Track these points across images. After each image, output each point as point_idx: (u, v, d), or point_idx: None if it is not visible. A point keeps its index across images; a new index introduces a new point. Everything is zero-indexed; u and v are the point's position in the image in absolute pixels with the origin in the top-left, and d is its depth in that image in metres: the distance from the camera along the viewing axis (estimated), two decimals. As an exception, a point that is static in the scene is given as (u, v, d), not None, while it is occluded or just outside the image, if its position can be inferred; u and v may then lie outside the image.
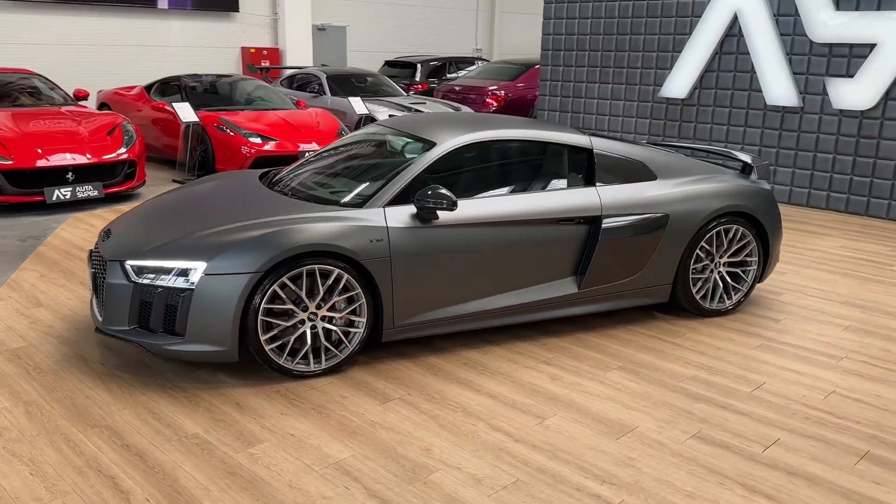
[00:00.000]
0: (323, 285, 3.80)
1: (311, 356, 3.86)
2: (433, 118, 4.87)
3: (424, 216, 4.03)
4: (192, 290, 3.61)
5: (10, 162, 7.23)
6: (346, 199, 4.14)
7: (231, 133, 9.09)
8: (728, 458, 3.22)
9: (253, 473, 3.02)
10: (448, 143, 4.28)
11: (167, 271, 3.66)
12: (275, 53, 15.56)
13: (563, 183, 4.54)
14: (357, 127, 11.18)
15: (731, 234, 4.86)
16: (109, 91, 11.72)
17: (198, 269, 3.63)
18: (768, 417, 3.59)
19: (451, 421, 3.48)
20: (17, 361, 4.01)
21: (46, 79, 9.52)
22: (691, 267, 4.76)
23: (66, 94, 9.37)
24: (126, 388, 3.73)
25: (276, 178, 4.73)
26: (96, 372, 3.90)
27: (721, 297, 4.96)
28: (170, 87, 10.57)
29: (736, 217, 4.84)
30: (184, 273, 3.64)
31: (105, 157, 7.84)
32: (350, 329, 3.93)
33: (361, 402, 3.64)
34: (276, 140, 9.14)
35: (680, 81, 9.45)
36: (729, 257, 4.93)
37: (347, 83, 12.36)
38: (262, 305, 3.67)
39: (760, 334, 4.66)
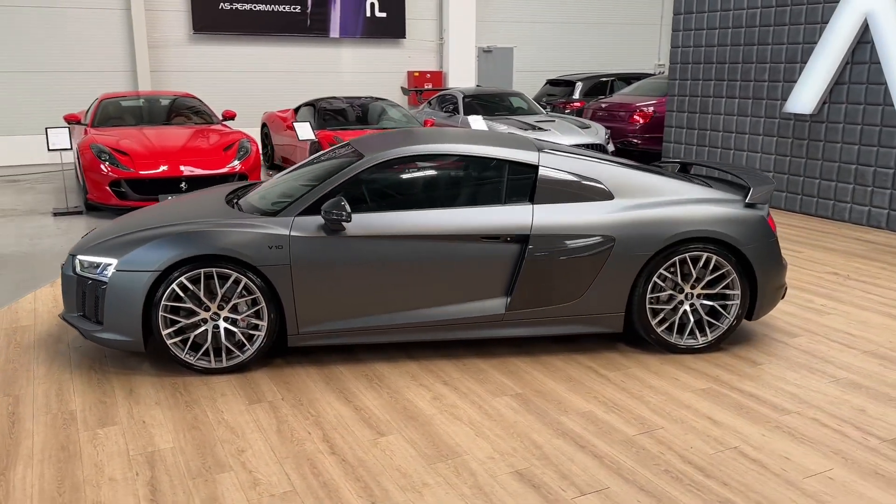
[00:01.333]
0: (222, 287, 4.06)
1: (212, 354, 4.13)
2: (393, 135, 4.93)
3: (330, 227, 4.14)
4: (107, 283, 4.05)
5: (132, 171, 8.41)
6: (270, 208, 4.36)
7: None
8: (528, 499, 2.96)
9: (85, 451, 3.34)
10: (370, 158, 4.35)
11: (95, 266, 4.15)
12: (438, 76, 16.22)
13: (497, 199, 4.38)
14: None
15: (701, 263, 4.35)
16: (269, 113, 13.05)
17: (112, 265, 4.07)
18: (620, 464, 3.22)
19: (291, 427, 3.56)
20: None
21: (200, 101, 10.88)
22: (649, 296, 4.33)
23: (213, 114, 10.63)
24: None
25: (245, 188, 5.09)
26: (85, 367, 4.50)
27: (693, 332, 4.45)
28: (309, 109, 11.52)
29: (709, 244, 4.32)
30: (104, 268, 4.10)
31: (217, 169, 8.79)
32: (253, 332, 4.14)
33: (233, 401, 3.84)
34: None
35: (806, 95, 8.44)
36: (703, 289, 4.41)
37: (483, 103, 12.57)
38: (163, 302, 4.02)
39: (718, 377, 4.12)
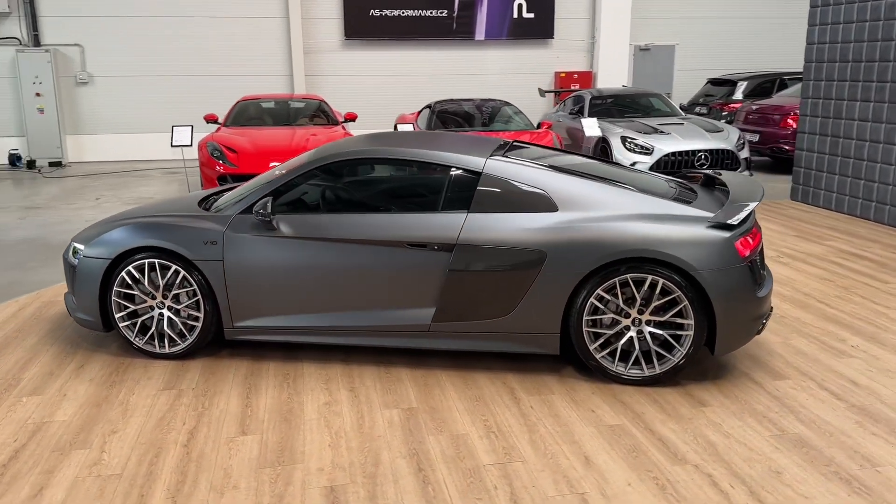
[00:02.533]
0: (164, 278, 4.35)
1: (156, 339, 4.44)
2: (351, 139, 4.92)
3: (262, 226, 4.27)
4: (77, 267, 4.50)
5: (236, 167, 9.13)
6: (221, 205, 4.58)
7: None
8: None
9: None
10: (308, 162, 4.41)
11: (74, 252, 4.62)
12: (587, 77, 15.73)
13: (434, 206, 4.24)
14: (595, 148, 10.94)
15: (646, 287, 3.91)
16: (401, 115, 13.49)
17: (80, 251, 4.51)
18: (442, 492, 3.01)
19: (174, 416, 3.73)
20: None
21: (326, 104, 11.52)
22: (586, 318, 3.98)
23: (336, 116, 11.20)
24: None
25: (223, 189, 5.35)
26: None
27: (639, 362, 4.01)
28: (427, 111, 11.74)
29: (659, 266, 3.87)
30: (77, 254, 4.56)
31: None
32: (193, 323, 4.39)
33: (151, 385, 4.10)
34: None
35: (946, 98, 7.15)
36: (653, 315, 3.96)
37: (613, 104, 12.05)
38: (115, 287, 4.39)
39: (641, 414, 3.69)
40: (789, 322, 4.96)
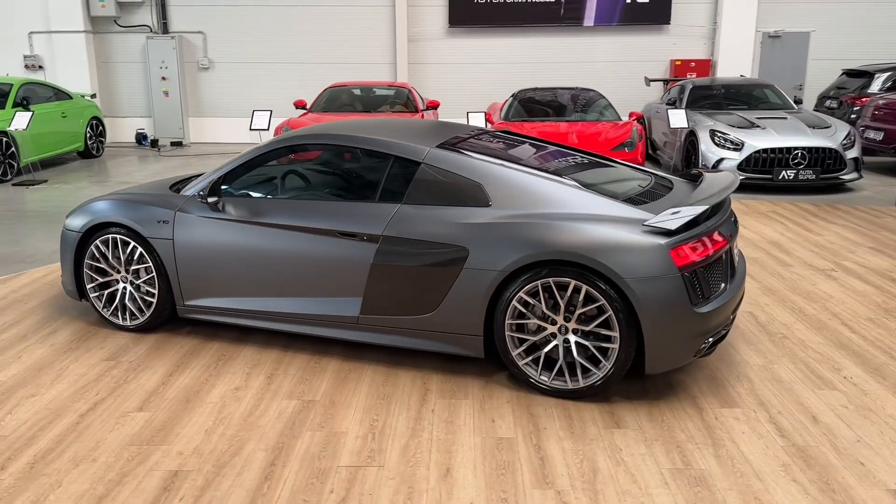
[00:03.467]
0: (125, 254, 4.54)
1: (120, 312, 4.64)
2: (313, 126, 4.84)
3: (208, 208, 4.33)
4: (62, 240, 4.79)
5: (301, 153, 9.39)
6: (184, 187, 4.69)
7: (503, 141, 9.60)
8: (122, 495, 2.90)
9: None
10: (259, 147, 4.41)
11: (66, 226, 4.92)
12: (704, 65, 14.68)
13: (372, 195, 4.11)
14: (685, 142, 10.24)
15: (569, 292, 3.59)
16: (494, 103, 13.27)
17: (64, 225, 4.80)
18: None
19: (89, 386, 3.88)
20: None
21: (412, 91, 11.56)
22: (508, 321, 3.72)
23: (419, 104, 11.22)
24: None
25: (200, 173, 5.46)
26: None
27: (563, 372, 3.70)
28: (513, 98, 11.47)
29: (582, 272, 3.54)
30: (64, 227, 4.86)
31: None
32: (150, 299, 4.55)
33: (95, 355, 4.29)
34: (536, 150, 9.30)
35: None
36: (579, 324, 3.64)
37: (717, 95, 11.20)
38: (86, 260, 4.63)
39: (535, 429, 3.40)
40: (789, 343, 4.38)
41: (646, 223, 3.55)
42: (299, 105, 11.39)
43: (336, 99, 11.40)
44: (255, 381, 3.92)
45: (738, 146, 9.40)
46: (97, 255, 4.61)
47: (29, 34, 14.95)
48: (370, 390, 3.81)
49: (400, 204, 3.98)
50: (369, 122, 4.70)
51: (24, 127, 10.07)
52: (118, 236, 4.51)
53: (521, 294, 3.65)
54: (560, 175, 3.99)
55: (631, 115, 10.64)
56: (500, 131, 5.01)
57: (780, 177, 9.26)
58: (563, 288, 3.59)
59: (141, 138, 14.93)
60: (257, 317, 4.30)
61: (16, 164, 10.70)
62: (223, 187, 4.41)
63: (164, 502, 2.86)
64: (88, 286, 4.67)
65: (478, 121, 10.06)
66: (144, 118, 15.38)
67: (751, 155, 9.32)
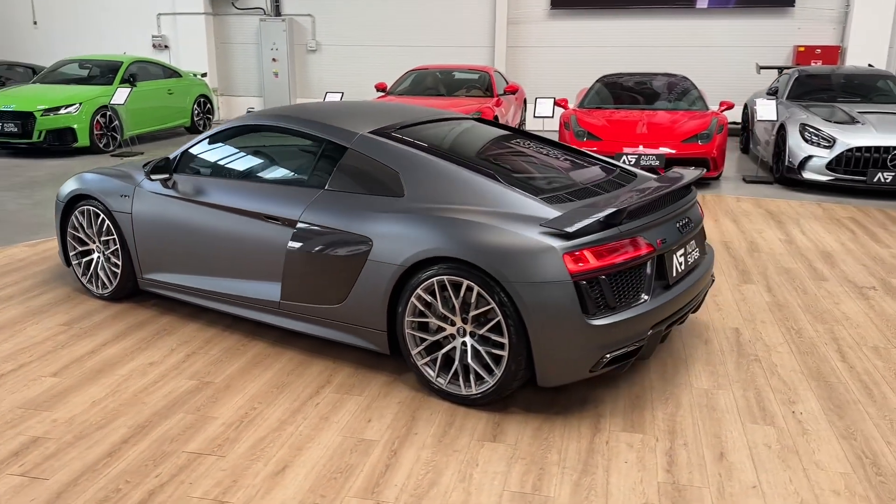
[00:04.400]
0: (96, 225, 4.75)
1: (95, 282, 4.87)
2: (282, 108, 4.78)
3: (161, 185, 4.44)
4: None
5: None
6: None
7: (567, 130, 9.22)
8: (-11, 460, 3.03)
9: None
10: (214, 129, 4.45)
11: (64, 196, 5.23)
12: (832, 52, 13.28)
13: (302, 180, 4.03)
14: (777, 135, 9.37)
15: (462, 292, 3.36)
16: (583, 88, 12.74)
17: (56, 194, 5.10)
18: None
19: (32, 349, 4.10)
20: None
21: (491, 75, 11.33)
22: (408, 318, 3.54)
23: (492, 89, 10.99)
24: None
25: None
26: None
27: (457, 376, 3.48)
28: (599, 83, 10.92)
29: (474, 271, 3.31)
30: (59, 198, 5.16)
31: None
32: (116, 270, 4.74)
33: (58, 318, 4.53)
34: (598, 139, 8.85)
35: None
36: (475, 327, 3.40)
37: (826, 85, 10.15)
38: (69, 230, 4.90)
39: (409, 435, 3.21)
40: (756, 368, 3.88)
41: (542, 224, 3.24)
42: (380, 88, 11.48)
43: (416, 82, 11.39)
44: (172, 358, 3.98)
45: (829, 143, 8.46)
46: (76, 225, 4.85)
47: (157, 16, 16.05)
48: (273, 378, 3.76)
49: (322, 189, 3.89)
50: (328, 105, 4.62)
51: (123, 102, 10.83)
52: (92, 208, 4.72)
53: (419, 291, 3.46)
54: (487, 168, 3.73)
55: (721, 104, 9.84)
56: (480, 120, 4.77)
57: (875, 179, 8.23)
58: (458, 287, 3.36)
59: (249, 116, 15.65)
60: (199, 295, 4.36)
61: (118, 137, 11.55)
62: (191, 165, 4.47)
63: (5, 466, 2.96)
64: (71, 254, 4.94)
65: (545, 107, 9.69)
66: (256, 98, 16.12)
67: (842, 153, 8.35)
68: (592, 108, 9.91)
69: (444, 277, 3.37)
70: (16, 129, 10.67)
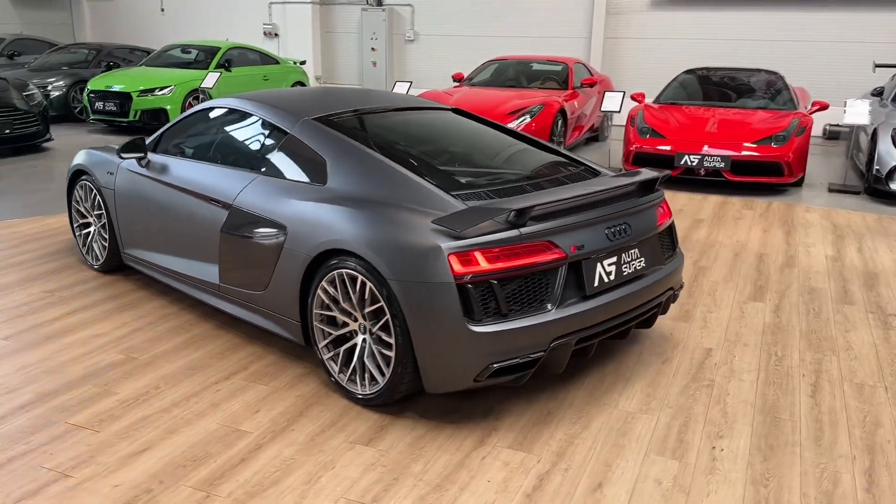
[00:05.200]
0: (90, 200, 4.99)
1: (90, 252, 5.13)
2: (247, 94, 4.76)
3: (137, 163, 4.59)
4: None
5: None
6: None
7: (632, 126, 8.76)
8: None
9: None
10: (193, 108, 4.54)
11: (80, 171, 5.53)
12: (970, 50, 11.77)
13: (250, 163, 4.02)
14: (871, 139, 8.48)
15: (357, 286, 3.25)
16: (677, 83, 12.02)
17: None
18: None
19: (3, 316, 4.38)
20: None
21: (570, 66, 10.96)
22: (316, 311, 3.47)
23: (569, 81, 10.62)
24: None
25: None
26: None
27: (355, 374, 3.36)
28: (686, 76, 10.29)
29: (368, 266, 3.18)
30: (73, 173, 5.46)
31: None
32: (105, 244, 4.96)
33: (43, 285, 4.80)
34: (661, 137, 8.35)
35: None
36: (370, 323, 3.28)
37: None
38: (72, 202, 5.19)
39: (278, 422, 3.14)
40: (703, 395, 3.49)
41: (434, 221, 3.04)
42: (456, 78, 11.38)
43: (492, 72, 11.19)
44: (119, 332, 4.11)
45: (926, 151, 7.52)
46: (77, 198, 5.12)
47: (269, 4, 16.71)
48: (196, 360, 3.79)
49: (258, 174, 3.86)
50: (295, 90, 4.58)
51: (212, 86, 11.36)
52: (88, 183, 4.95)
53: (323, 283, 3.36)
54: (414, 161, 3.59)
55: (814, 104, 8.98)
56: (457, 111, 4.58)
57: (976, 194, 7.23)
58: (355, 281, 3.24)
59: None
60: (163, 273, 4.47)
61: (208, 119, 12.12)
62: (164, 146, 4.59)
63: None
64: (74, 226, 5.21)
65: (613, 102, 9.24)
66: (355, 87, 16.44)
67: (936, 162, 7.40)
68: (667, 104, 9.35)
69: (343, 271, 3.25)
70: (115, 109, 11.46)
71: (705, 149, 8.06)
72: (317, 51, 16.42)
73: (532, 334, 3.04)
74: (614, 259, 3.36)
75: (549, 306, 3.11)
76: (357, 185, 3.45)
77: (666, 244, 3.82)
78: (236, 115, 4.28)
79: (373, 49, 15.85)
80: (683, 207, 7.35)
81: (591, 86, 10.78)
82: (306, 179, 3.64)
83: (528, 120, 9.11)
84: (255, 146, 4.05)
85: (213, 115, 4.45)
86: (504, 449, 3.01)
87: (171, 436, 3.07)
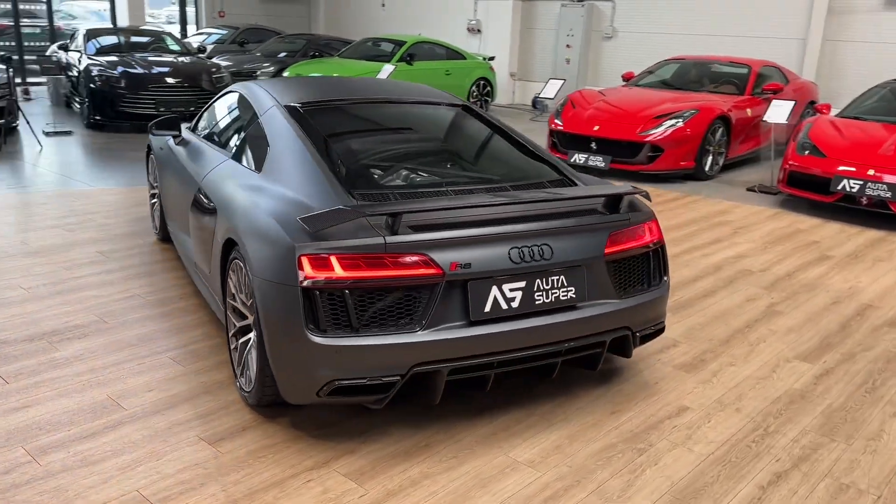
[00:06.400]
0: (153, 172, 5.40)
1: (154, 221, 5.55)
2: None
3: (172, 140, 4.86)
4: None
5: (559, 126, 8.95)
6: (203, 124, 5.24)
7: (794, 140, 7.62)
8: None
9: None
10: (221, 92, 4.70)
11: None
12: None
13: (228, 145, 4.06)
14: None
15: (244, 279, 3.16)
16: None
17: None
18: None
19: None
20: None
21: (778, 69, 9.80)
22: (228, 300, 3.44)
23: (747, 88, 9.50)
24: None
25: None
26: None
27: (243, 369, 3.28)
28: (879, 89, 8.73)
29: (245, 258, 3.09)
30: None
31: (626, 138, 8.36)
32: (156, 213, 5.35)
33: (95, 244, 5.28)
34: (821, 156, 7.18)
35: None
36: (254, 317, 3.18)
37: None
38: (147, 175, 5.66)
39: (172, 417, 3.14)
40: (630, 460, 2.91)
41: (299, 218, 2.83)
42: (626, 77, 10.68)
43: (665, 73, 10.33)
44: (116, 296, 4.38)
45: None
46: (147, 171, 5.55)
47: (475, 1, 16.92)
48: (151, 333, 3.91)
49: (227, 157, 3.89)
50: (304, 77, 4.53)
51: (385, 78, 11.76)
52: (153, 156, 5.35)
53: (229, 272, 3.31)
54: (344, 156, 3.39)
55: None
56: (462, 105, 4.25)
57: None
58: (243, 272, 3.14)
59: (536, 102, 15.74)
60: (178, 247, 4.68)
61: (383, 109, 12.58)
62: (196, 126, 4.81)
63: None
64: (149, 193, 5.68)
65: (780, 112, 8.07)
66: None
67: None
68: (849, 118, 7.95)
69: (237, 261, 3.16)
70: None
71: (871, 173, 6.73)
72: (514, 47, 16.32)
73: (386, 355, 2.72)
74: (521, 284, 2.90)
75: (416, 328, 2.76)
76: (278, 174, 3.33)
77: (629, 275, 3.22)
78: (240, 100, 4.34)
79: (567, 46, 15.39)
80: (821, 240, 6.20)
81: (775, 92, 9.50)
82: (252, 166, 3.59)
83: (680, 124, 8.25)
84: (234, 130, 4.08)
85: (228, 98, 4.55)
86: (338, 476, 2.74)
87: (57, 398, 3.20)
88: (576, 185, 3.46)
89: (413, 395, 3.25)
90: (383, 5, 19.08)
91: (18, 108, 9.74)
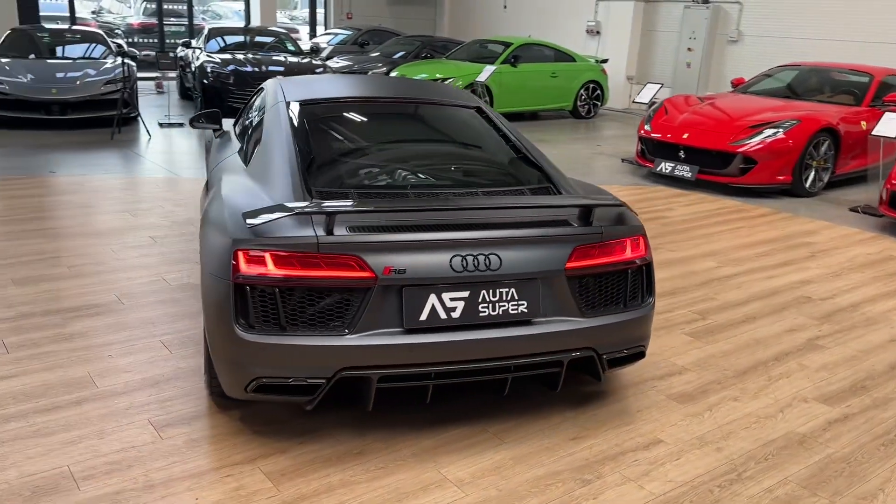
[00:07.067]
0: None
1: (206, 211, 5.80)
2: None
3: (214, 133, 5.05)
4: None
5: (647, 131, 8.54)
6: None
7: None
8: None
9: None
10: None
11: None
12: None
13: (240, 139, 4.18)
14: None
15: (207, 270, 3.23)
16: None
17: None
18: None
19: None
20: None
21: (881, 80, 8.95)
22: (207, 289, 3.54)
23: (868, 96, 8.68)
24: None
25: None
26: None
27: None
28: None
29: (211, 250, 3.16)
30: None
31: (714, 147, 7.86)
32: (211, 204, 5.57)
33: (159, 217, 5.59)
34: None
35: None
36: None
37: None
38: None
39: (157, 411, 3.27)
40: (567, 491, 2.72)
41: (243, 213, 2.84)
42: (735, 84, 10.05)
43: (776, 80, 9.61)
44: (141, 280, 4.60)
45: None
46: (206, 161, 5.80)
47: (596, 2, 16.50)
48: (153, 317, 4.08)
49: (235, 152, 3.99)
50: (331, 75, 4.54)
51: (485, 79, 11.71)
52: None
53: (206, 263, 3.38)
54: (321, 153, 3.39)
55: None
56: (475, 107, 4.12)
57: None
58: (211, 265, 3.20)
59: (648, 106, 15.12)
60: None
61: (484, 111, 12.51)
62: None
63: (-70, 312, 4.01)
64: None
65: (889, 126, 7.29)
66: (665, 88, 15.44)
67: None
68: (977, 135, 7.06)
69: (206, 254, 3.23)
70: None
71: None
72: (633, 50, 15.76)
73: (312, 357, 2.68)
74: (463, 294, 2.76)
75: (345, 331, 2.70)
76: (257, 169, 3.37)
77: (599, 293, 2.99)
78: (262, 96, 4.43)
79: (689, 49, 14.67)
80: (913, 269, 5.54)
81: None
82: (245, 159, 3.66)
83: (778, 135, 7.64)
84: (249, 126, 4.16)
85: (260, 94, 4.65)
86: (259, 474, 2.72)
87: (42, 371, 3.39)
88: (560, 193, 3.27)
89: (349, 401, 3.19)
90: (505, 7, 19.01)
91: (136, 101, 10.49)
